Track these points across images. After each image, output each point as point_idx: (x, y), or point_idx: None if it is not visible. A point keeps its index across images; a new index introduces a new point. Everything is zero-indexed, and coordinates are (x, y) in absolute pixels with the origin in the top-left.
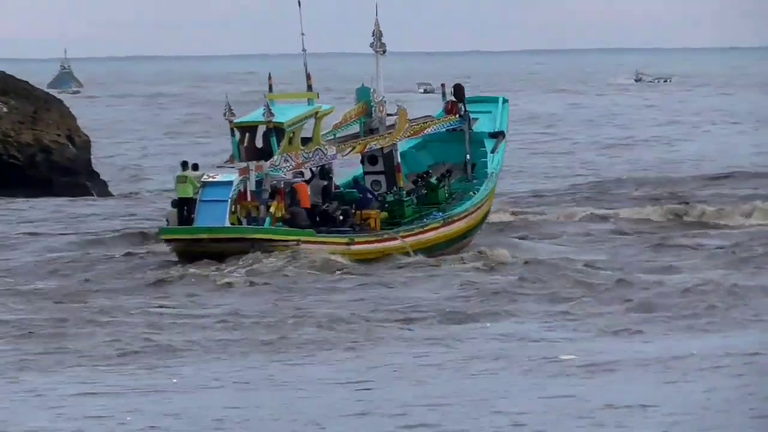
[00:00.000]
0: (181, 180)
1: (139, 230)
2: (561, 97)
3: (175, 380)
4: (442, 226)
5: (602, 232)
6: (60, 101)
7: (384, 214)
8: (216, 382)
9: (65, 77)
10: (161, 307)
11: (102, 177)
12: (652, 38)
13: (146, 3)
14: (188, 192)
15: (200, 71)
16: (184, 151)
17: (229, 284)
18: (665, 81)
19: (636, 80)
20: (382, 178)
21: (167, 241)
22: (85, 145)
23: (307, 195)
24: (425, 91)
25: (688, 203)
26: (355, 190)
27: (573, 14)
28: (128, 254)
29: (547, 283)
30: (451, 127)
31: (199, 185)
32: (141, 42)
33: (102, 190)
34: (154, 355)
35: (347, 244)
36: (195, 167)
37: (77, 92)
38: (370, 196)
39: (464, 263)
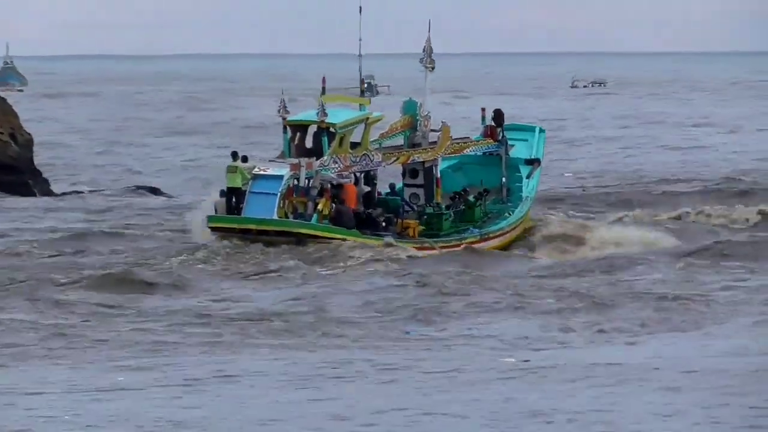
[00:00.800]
0: (231, 170)
1: (81, 230)
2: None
3: (121, 378)
4: (479, 241)
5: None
6: (3, 99)
7: (421, 228)
8: (165, 380)
9: (8, 73)
10: (113, 306)
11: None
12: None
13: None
14: (237, 182)
15: (162, 70)
16: (124, 150)
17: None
18: (600, 84)
19: (572, 86)
20: (420, 191)
21: (214, 229)
22: (28, 144)
23: (354, 195)
24: (369, 85)
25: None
26: (398, 198)
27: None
28: (77, 252)
29: (513, 284)
30: (489, 150)
31: (249, 177)
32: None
33: (44, 188)
34: (103, 353)
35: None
36: (245, 159)
37: (21, 90)
38: (406, 207)
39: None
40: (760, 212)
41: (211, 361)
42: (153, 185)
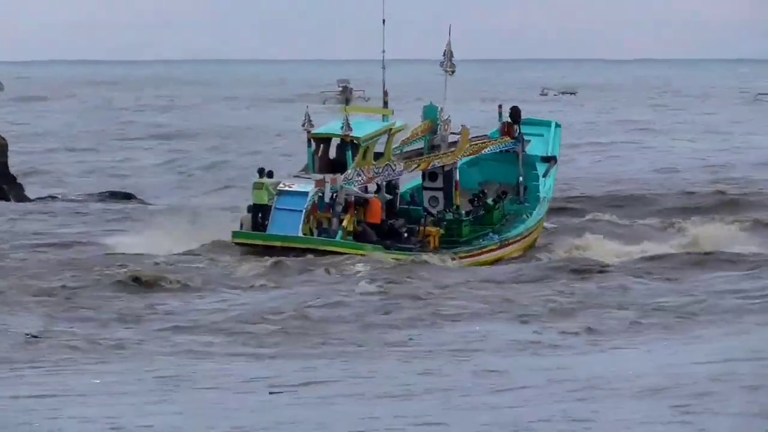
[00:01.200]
0: (257, 186)
1: (54, 236)
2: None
3: (97, 381)
4: (498, 248)
5: None
6: None
7: (441, 232)
8: (141, 383)
9: None
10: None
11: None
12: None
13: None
14: (263, 198)
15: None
16: (101, 154)
17: (187, 285)
18: (571, 94)
19: (542, 94)
20: (440, 194)
21: (239, 245)
22: (2, 148)
23: (379, 209)
24: (344, 89)
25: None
26: (420, 208)
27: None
28: (48, 257)
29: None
30: (506, 148)
31: (274, 193)
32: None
33: (18, 193)
34: (79, 356)
35: (412, 261)
36: (270, 174)
37: None
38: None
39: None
40: (740, 222)
41: (190, 366)
42: (129, 190)
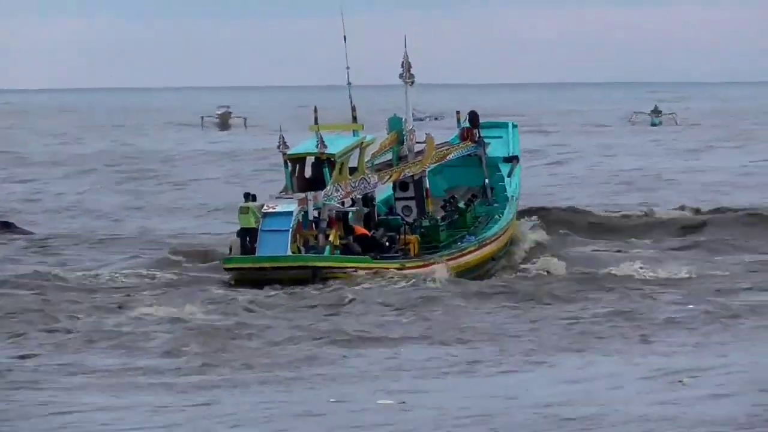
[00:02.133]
0: (243, 211)
1: None
2: None
3: None
4: (477, 249)
5: None
6: None
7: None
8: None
9: None
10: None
11: None
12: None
13: None
14: (250, 222)
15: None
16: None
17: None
18: (436, 119)
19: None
20: (412, 203)
21: (229, 269)
22: None
23: (360, 227)
24: (222, 113)
25: None
26: (398, 217)
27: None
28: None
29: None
30: (468, 152)
31: (260, 215)
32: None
33: None
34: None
35: (399, 269)
36: (254, 198)
37: None
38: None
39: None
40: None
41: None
42: (6, 219)
